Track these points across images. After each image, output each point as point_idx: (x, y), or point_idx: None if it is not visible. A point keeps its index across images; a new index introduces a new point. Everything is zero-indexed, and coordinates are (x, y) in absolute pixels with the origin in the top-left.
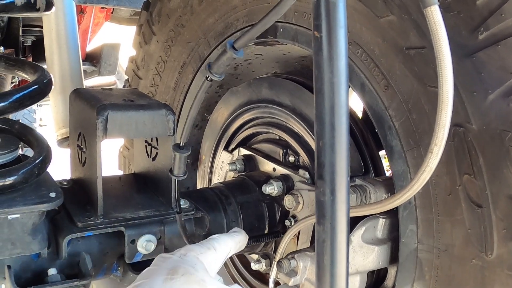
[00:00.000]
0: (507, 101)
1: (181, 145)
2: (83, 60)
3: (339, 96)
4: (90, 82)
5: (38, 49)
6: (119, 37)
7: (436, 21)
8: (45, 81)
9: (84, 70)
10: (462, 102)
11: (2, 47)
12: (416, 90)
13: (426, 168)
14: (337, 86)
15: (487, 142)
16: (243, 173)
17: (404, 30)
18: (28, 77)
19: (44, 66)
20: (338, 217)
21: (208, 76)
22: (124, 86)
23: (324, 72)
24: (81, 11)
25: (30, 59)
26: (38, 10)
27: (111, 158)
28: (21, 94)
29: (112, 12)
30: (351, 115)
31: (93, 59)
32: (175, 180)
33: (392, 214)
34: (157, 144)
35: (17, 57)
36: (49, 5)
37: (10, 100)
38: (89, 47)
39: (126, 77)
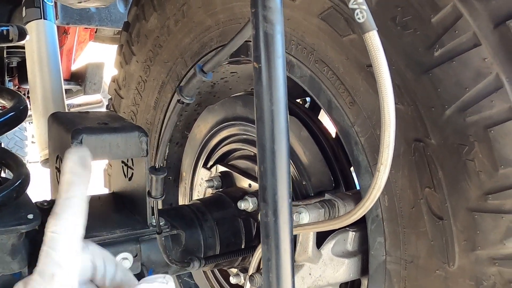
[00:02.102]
0: (463, 116)
1: (157, 167)
2: (68, 80)
3: (279, 123)
4: (76, 101)
5: (23, 70)
6: (104, 56)
7: (375, 46)
8: (21, 107)
9: (70, 89)
10: (421, 118)
11: None
12: (378, 106)
13: (375, 186)
14: (277, 114)
15: (446, 156)
16: (220, 190)
17: (365, 49)
18: (6, 103)
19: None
20: (281, 237)
21: (180, 99)
22: (107, 105)
23: (263, 101)
24: (64, 32)
25: (16, 80)
26: (11, 40)
27: (97, 176)
28: None
29: (95, 32)
30: (322, 131)
31: (78, 78)
32: (153, 201)
33: (362, 227)
34: (133, 165)
35: (3, 78)
36: (22, 35)
37: None
38: (74, 67)
39: (109, 95)
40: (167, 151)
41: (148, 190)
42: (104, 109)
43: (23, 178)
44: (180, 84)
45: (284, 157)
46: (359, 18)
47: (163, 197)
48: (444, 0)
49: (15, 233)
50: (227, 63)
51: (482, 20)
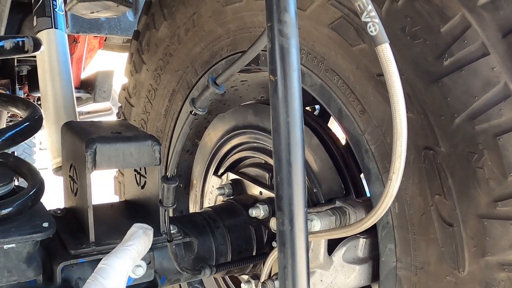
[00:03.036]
0: (472, 124)
1: (169, 176)
2: (78, 88)
3: (295, 135)
4: (86, 109)
5: (33, 78)
6: (113, 64)
7: (387, 58)
8: (36, 117)
9: (79, 97)
10: (431, 126)
11: None
12: (389, 115)
13: (387, 195)
14: (293, 126)
15: (455, 164)
16: (231, 197)
17: (375, 58)
18: (21, 113)
19: (39, 95)
20: (297, 245)
21: (192, 111)
22: (117, 113)
23: (280, 113)
24: (74, 41)
25: (26, 88)
26: (26, 52)
27: (108, 183)
28: (13, 131)
29: (105, 40)
30: (332, 139)
31: (87, 86)
32: (165, 210)
33: (372, 234)
34: (145, 173)
35: (13, 86)
36: (37, 46)
37: (3, 138)
38: (84, 74)
39: (120, 103)
40: (178, 159)
41: (160, 199)
42: (113, 117)
43: (38, 186)
44: (193, 96)
45: (300, 167)
46: (371, 31)
47: (175, 205)
48: (453, 10)
49: (30, 241)
50: (238, 72)
51: (491, 30)
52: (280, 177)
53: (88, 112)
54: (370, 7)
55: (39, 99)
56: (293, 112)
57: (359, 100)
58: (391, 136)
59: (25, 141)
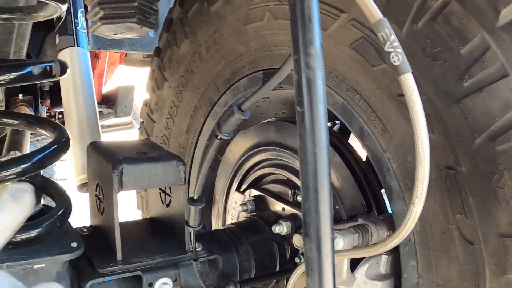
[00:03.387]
0: (493, 145)
1: (195, 198)
2: (99, 103)
3: (321, 164)
4: (107, 122)
5: (55, 94)
6: (133, 78)
7: (410, 87)
8: (63, 139)
9: (101, 112)
10: (452, 146)
11: (21, 94)
12: (410, 134)
13: (410, 218)
14: (319, 156)
15: (476, 184)
16: (254, 213)
17: (396, 78)
18: (48, 134)
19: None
20: (324, 271)
21: (218, 135)
22: (139, 129)
23: (307, 143)
24: (95, 57)
25: (48, 102)
26: (54, 76)
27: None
28: (42, 155)
29: (125, 55)
30: (354, 157)
31: (109, 101)
32: (191, 231)
33: (394, 251)
34: (170, 192)
35: (36, 102)
36: (64, 70)
37: (32, 162)
38: (105, 89)
39: (141, 119)
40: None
41: (186, 220)
42: (134, 131)
43: (66, 206)
44: (214, 113)
45: (327, 195)
46: (394, 61)
47: (200, 226)
48: (472, 32)
49: (60, 261)
50: None
51: (510, 51)
52: (307, 205)
53: (109, 126)
54: (393, 37)
55: (60, 113)
56: (320, 142)
57: (381, 119)
58: (413, 155)
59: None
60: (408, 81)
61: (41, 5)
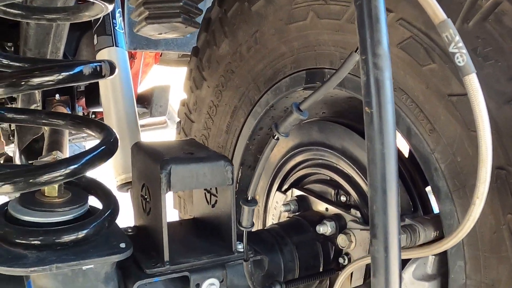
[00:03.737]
0: None
1: (249, 198)
2: None
3: (390, 165)
4: (142, 122)
5: (91, 94)
6: (167, 78)
7: (474, 88)
8: (111, 140)
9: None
10: (503, 146)
11: (58, 94)
12: (459, 134)
13: (470, 218)
14: (388, 157)
15: None
16: (297, 214)
17: (446, 78)
18: (95, 135)
19: (100, 110)
20: (391, 272)
21: (275, 135)
22: (176, 128)
23: (375, 144)
24: (131, 57)
25: (83, 102)
26: (104, 76)
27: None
28: (91, 155)
29: (160, 55)
30: (398, 155)
31: (144, 101)
32: (244, 231)
33: (442, 251)
34: (216, 192)
35: (73, 102)
36: (113, 70)
37: (82, 163)
38: (140, 89)
39: (176, 117)
40: (240, 174)
41: (239, 220)
42: (169, 131)
43: (113, 207)
44: (255, 112)
45: (395, 196)
46: (459, 62)
47: (253, 226)
48: None
49: (109, 262)
50: (302, 89)
51: None
52: (376, 206)
53: (143, 125)
54: (458, 38)
55: (93, 113)
56: (388, 143)
57: (428, 119)
58: (462, 155)
59: (76, 144)
60: (473, 82)
61: (87, 5)
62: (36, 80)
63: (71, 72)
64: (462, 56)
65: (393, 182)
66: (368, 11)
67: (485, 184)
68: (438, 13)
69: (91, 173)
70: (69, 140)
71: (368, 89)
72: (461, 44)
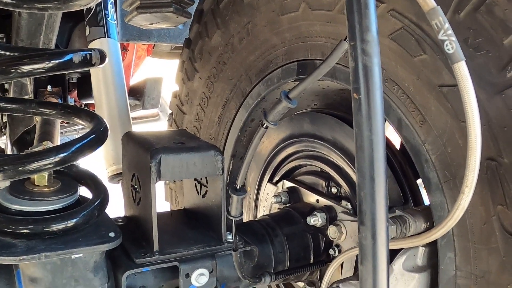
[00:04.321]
0: None
1: (238, 187)
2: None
3: (378, 151)
4: (134, 114)
5: (83, 86)
6: (160, 70)
7: (464, 75)
8: (101, 129)
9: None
10: (494, 137)
11: (50, 86)
12: (450, 125)
13: (459, 207)
14: (376, 143)
15: None
16: (288, 205)
17: (437, 69)
18: (85, 124)
19: (92, 102)
20: (378, 259)
21: (264, 124)
22: (168, 120)
23: (363, 130)
24: (123, 48)
25: (74, 94)
26: (93, 65)
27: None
28: (80, 144)
29: (153, 47)
30: (390, 147)
31: (136, 93)
32: (233, 220)
33: (431, 243)
34: (206, 182)
35: (65, 94)
36: (103, 59)
37: (72, 150)
38: (132, 81)
39: (168, 110)
40: (231, 166)
41: (228, 209)
42: (161, 123)
43: (103, 196)
44: (247, 104)
45: (383, 183)
46: (448, 49)
47: (242, 216)
48: None
49: (98, 251)
50: (293, 80)
51: None
52: (364, 192)
53: (135, 118)
54: (447, 25)
55: (86, 105)
56: (376, 129)
57: (419, 110)
58: (453, 146)
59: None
60: (462, 70)
61: None
62: (26, 68)
63: (61, 60)
64: (451, 44)
65: (381, 168)
66: None
67: (474, 173)
68: (428, 1)
69: (83, 164)
70: (61, 133)
71: (357, 75)
72: (450, 31)
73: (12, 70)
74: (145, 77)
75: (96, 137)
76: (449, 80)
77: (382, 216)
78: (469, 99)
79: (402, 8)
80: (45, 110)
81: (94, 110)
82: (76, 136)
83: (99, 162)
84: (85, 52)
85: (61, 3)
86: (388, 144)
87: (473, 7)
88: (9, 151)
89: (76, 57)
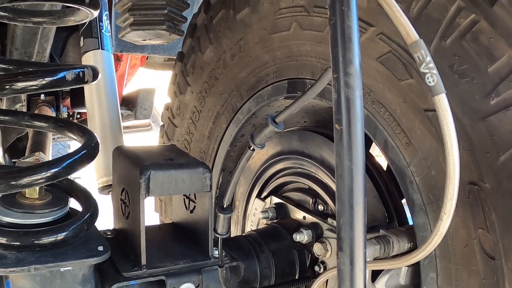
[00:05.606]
0: None
1: (224, 206)
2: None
3: (357, 181)
4: (126, 124)
5: (76, 95)
6: (153, 81)
7: (444, 108)
8: (92, 144)
9: (121, 114)
10: (476, 162)
11: (43, 95)
12: (434, 149)
13: (437, 233)
14: (356, 173)
15: (499, 200)
16: (275, 221)
17: (423, 93)
18: (76, 138)
19: (85, 110)
20: (356, 285)
21: (251, 146)
22: (160, 132)
23: (344, 160)
24: (117, 59)
25: (67, 102)
26: (86, 82)
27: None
28: (71, 159)
29: (147, 58)
30: (376, 168)
31: (129, 104)
32: (219, 238)
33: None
34: (195, 198)
35: (58, 103)
36: (95, 76)
37: (63, 166)
38: (125, 91)
39: (160, 121)
40: (220, 180)
41: (214, 227)
42: (152, 133)
43: (92, 210)
44: (237, 119)
45: (361, 211)
46: (429, 82)
47: (228, 233)
48: (500, 51)
49: (86, 264)
50: (284, 98)
51: None
52: (343, 220)
53: (127, 127)
54: (429, 58)
55: (78, 113)
56: (357, 159)
57: (405, 132)
58: (437, 169)
59: (61, 153)
60: (442, 102)
61: (73, 10)
62: (20, 85)
63: (54, 78)
64: (432, 77)
65: (360, 197)
66: (341, 31)
67: (452, 201)
68: (411, 34)
69: (74, 174)
70: (54, 138)
71: (339, 107)
72: (432, 64)
73: (6, 87)
74: (138, 88)
75: (87, 152)
76: (434, 105)
77: (360, 243)
78: (448, 130)
79: (391, 32)
80: (38, 123)
81: (87, 119)
82: (69, 142)
83: (90, 173)
84: (78, 70)
85: (55, 18)
86: (374, 164)
87: (459, 34)
88: (1, 158)
89: (69, 75)
